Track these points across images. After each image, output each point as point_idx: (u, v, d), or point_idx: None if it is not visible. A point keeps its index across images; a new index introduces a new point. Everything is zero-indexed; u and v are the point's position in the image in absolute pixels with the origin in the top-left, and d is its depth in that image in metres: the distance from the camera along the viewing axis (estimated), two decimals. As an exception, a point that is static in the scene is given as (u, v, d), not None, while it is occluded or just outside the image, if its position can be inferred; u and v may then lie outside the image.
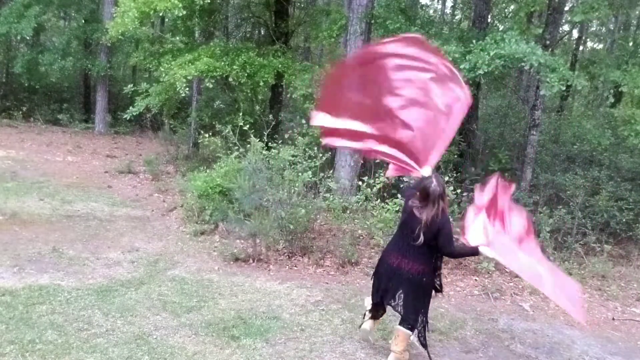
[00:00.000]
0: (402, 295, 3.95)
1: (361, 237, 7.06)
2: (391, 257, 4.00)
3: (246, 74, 9.66)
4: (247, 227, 6.30)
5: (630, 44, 12.17)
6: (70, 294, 4.82)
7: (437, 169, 7.70)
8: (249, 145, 7.12)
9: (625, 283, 6.79)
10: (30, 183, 9.00)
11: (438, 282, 4.06)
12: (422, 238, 3.77)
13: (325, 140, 4.21)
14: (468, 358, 4.44)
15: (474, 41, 6.91)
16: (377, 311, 4.24)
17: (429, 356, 4.13)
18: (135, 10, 9.00)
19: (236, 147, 7.56)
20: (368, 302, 4.34)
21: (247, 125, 7.75)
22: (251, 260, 6.24)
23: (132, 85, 10.90)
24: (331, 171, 8.02)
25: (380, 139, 3.95)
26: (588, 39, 18.01)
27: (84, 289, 4.97)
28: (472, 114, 9.74)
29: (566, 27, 15.36)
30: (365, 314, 4.36)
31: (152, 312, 4.62)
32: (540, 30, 8.22)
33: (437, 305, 5.52)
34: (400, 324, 4.01)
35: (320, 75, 9.54)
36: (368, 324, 4.27)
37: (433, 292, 4.08)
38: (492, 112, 11.22)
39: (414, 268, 3.89)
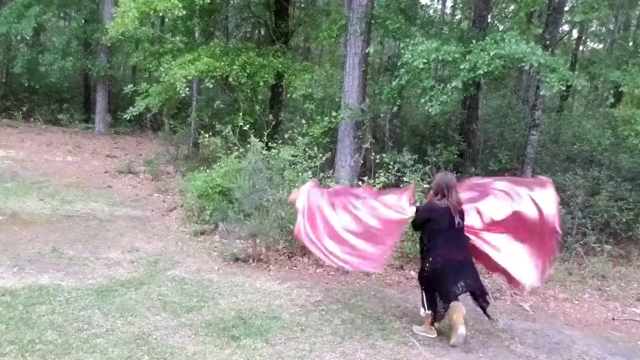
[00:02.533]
0: (467, 280, 4.52)
1: (361, 237, 7.04)
2: (451, 254, 4.51)
3: (246, 74, 9.65)
4: (247, 227, 6.30)
5: (630, 44, 12.18)
6: (70, 294, 4.82)
7: (437, 168, 7.73)
8: (249, 145, 7.12)
9: (625, 283, 6.78)
10: (30, 183, 9.00)
11: None
12: (458, 218, 4.47)
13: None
14: (468, 358, 4.44)
15: (473, 41, 6.89)
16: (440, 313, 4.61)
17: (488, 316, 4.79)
18: (135, 10, 8.99)
19: (236, 147, 7.56)
20: (424, 312, 4.76)
21: (247, 125, 7.74)
22: (251, 260, 6.24)
23: (132, 85, 10.89)
24: (331, 171, 8.02)
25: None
26: (588, 39, 18.00)
27: (84, 289, 4.97)
28: (472, 113, 9.76)
29: (566, 27, 15.35)
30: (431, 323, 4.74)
31: (152, 312, 4.62)
32: (540, 30, 8.21)
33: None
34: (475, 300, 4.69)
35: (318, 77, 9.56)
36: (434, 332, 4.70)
37: None
38: (492, 112, 11.21)
39: (468, 255, 4.60)
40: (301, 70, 10.10)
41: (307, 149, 7.29)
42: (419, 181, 6.83)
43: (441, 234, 4.54)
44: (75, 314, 4.43)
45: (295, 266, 6.29)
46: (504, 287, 6.15)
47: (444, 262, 4.49)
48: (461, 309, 4.50)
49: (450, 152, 8.50)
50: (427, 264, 4.60)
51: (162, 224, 7.61)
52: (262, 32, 14.52)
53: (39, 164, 10.68)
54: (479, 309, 4.74)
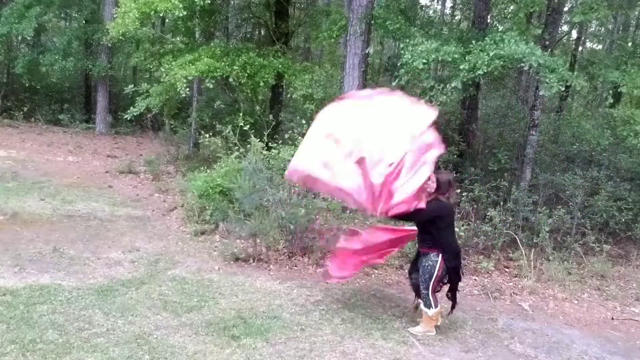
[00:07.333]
0: None
1: (361, 237, 7.06)
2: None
3: (246, 75, 9.67)
4: (248, 227, 6.32)
5: (629, 44, 12.20)
6: (71, 294, 4.84)
7: (437, 167, 7.74)
8: (249, 146, 7.14)
9: (624, 283, 6.80)
10: (31, 183, 9.02)
11: None
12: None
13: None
14: (468, 357, 4.46)
15: (473, 42, 6.91)
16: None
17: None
18: (136, 11, 9.02)
19: (236, 147, 7.57)
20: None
21: (248, 126, 7.76)
22: (251, 260, 6.26)
23: (132, 85, 10.92)
24: (331, 171, 8.01)
25: None
26: (587, 40, 18.02)
27: (85, 289, 4.99)
28: (472, 114, 9.77)
29: (565, 28, 15.36)
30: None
31: (153, 312, 4.64)
32: (540, 31, 8.21)
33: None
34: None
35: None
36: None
37: None
38: (492, 112, 11.22)
39: None
40: (301, 71, 10.12)
41: (307, 149, 7.29)
42: None
43: (452, 229, 4.74)
44: (76, 314, 4.45)
45: (295, 266, 6.31)
46: (503, 287, 6.17)
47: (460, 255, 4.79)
48: None
49: (450, 152, 8.50)
50: (453, 259, 4.62)
51: (163, 224, 7.63)
52: (263, 33, 14.53)
53: (39, 164, 10.70)
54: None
